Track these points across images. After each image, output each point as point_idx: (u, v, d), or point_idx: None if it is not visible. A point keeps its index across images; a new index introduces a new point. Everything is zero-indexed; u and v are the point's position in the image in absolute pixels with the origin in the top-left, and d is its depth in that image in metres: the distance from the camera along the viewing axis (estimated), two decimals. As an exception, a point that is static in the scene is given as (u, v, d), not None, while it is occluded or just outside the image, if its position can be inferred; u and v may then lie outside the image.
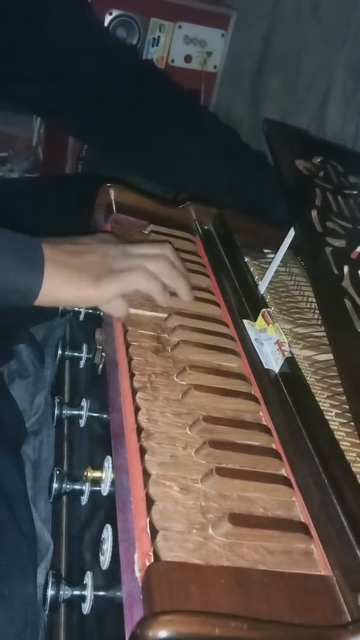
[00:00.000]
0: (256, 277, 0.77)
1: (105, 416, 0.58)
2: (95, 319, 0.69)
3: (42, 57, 0.84)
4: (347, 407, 0.59)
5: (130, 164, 0.99)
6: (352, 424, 0.57)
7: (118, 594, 0.42)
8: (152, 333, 0.61)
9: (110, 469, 0.49)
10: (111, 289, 0.60)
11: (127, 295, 0.62)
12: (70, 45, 0.85)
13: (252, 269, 0.78)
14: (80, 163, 1.33)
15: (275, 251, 0.79)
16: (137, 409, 0.51)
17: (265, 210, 0.89)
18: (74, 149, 1.35)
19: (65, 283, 0.58)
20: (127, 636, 0.37)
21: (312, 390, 0.59)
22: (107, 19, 1.24)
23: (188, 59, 1.34)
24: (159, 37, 1.29)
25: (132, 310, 0.62)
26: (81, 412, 0.65)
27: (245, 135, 1.46)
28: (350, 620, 0.39)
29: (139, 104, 0.91)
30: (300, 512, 0.48)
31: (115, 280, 0.60)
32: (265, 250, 0.84)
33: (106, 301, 0.61)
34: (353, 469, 0.52)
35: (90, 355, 0.69)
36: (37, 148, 1.61)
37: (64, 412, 0.66)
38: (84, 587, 0.50)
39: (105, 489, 0.50)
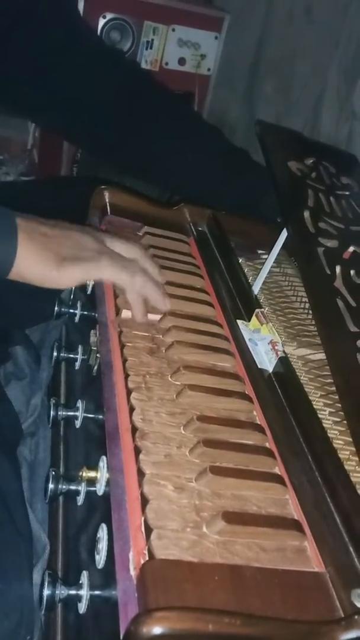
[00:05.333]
0: (250, 277, 0.77)
1: (100, 417, 0.59)
2: (91, 320, 0.70)
3: (29, 58, 0.85)
4: (340, 405, 0.59)
5: (117, 164, 1.00)
6: (345, 422, 0.58)
7: (113, 592, 0.42)
8: (146, 334, 0.61)
9: (105, 469, 0.49)
10: (74, 274, 0.60)
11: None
12: (57, 46, 0.86)
13: (246, 270, 0.79)
14: (75, 166, 1.34)
15: (269, 252, 0.79)
16: (131, 409, 0.52)
17: (253, 205, 0.90)
18: (69, 152, 1.36)
19: (32, 259, 0.58)
20: (122, 633, 0.37)
21: (306, 390, 0.60)
22: (101, 22, 1.25)
23: (182, 61, 1.35)
24: (152, 40, 1.30)
25: (126, 312, 0.63)
26: (77, 413, 0.65)
27: (239, 137, 1.47)
28: (342, 616, 0.39)
29: (126, 105, 0.92)
30: (294, 510, 0.48)
31: (78, 266, 0.60)
32: (259, 251, 0.85)
33: (67, 285, 0.61)
34: (346, 467, 0.52)
35: (86, 357, 0.70)
36: (33, 151, 1.62)
37: (59, 413, 0.66)
38: (80, 586, 0.50)
39: (100, 489, 0.50)
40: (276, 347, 0.62)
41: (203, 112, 1.42)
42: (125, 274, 0.62)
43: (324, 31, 1.31)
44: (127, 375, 0.55)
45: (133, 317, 0.63)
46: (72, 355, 0.74)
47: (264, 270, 0.71)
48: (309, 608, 0.40)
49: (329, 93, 1.32)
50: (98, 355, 0.60)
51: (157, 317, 0.63)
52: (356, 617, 0.38)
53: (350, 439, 0.56)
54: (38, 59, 0.84)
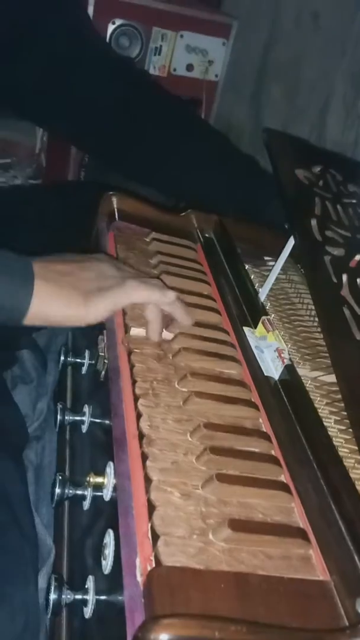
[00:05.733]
0: (256, 284, 0.78)
1: (107, 422, 0.59)
2: (98, 325, 0.70)
3: (37, 68, 0.86)
4: (345, 413, 0.60)
5: (124, 171, 1.01)
6: (350, 430, 0.58)
7: (120, 598, 0.43)
8: (153, 340, 0.62)
9: (113, 475, 0.50)
10: (102, 307, 0.59)
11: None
12: (64, 56, 0.87)
13: (252, 276, 0.79)
14: (82, 170, 1.34)
15: (276, 258, 0.80)
16: (139, 416, 0.52)
17: (259, 212, 0.90)
18: (76, 156, 1.37)
19: (54, 301, 0.57)
20: (129, 639, 0.38)
21: (312, 397, 0.60)
22: (110, 28, 1.26)
23: (190, 67, 1.35)
24: (161, 46, 1.31)
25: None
26: (83, 418, 0.66)
27: (246, 143, 1.47)
28: (347, 624, 0.40)
29: (132, 113, 0.93)
30: (299, 518, 0.48)
31: (104, 298, 0.59)
32: (266, 258, 0.85)
33: (97, 320, 0.60)
34: (351, 476, 0.53)
35: (93, 362, 0.70)
36: (40, 155, 1.63)
37: (66, 417, 0.67)
38: (86, 591, 0.50)
39: (107, 495, 0.50)
40: (282, 355, 0.62)
41: (210, 118, 1.42)
42: (155, 290, 0.61)
43: (331, 37, 1.32)
44: (134, 382, 0.56)
45: (148, 335, 0.61)
46: (79, 360, 0.75)
47: (271, 278, 0.71)
48: (313, 616, 0.40)
49: (336, 99, 1.32)
50: (106, 360, 0.61)
51: (170, 335, 0.63)
52: (361, 626, 0.38)
53: (356, 447, 0.57)
54: (46, 68, 0.85)
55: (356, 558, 0.45)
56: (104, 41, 1.22)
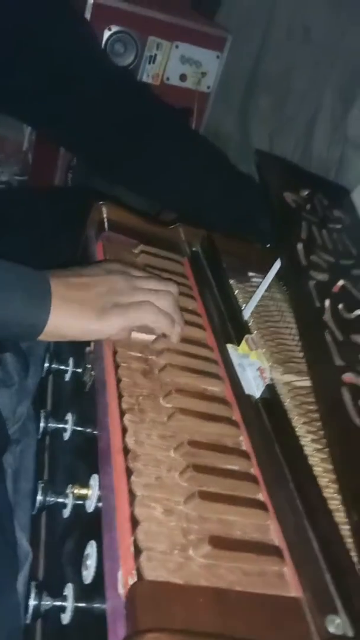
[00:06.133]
0: (240, 300, 0.80)
1: (89, 430, 0.60)
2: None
3: (34, 77, 0.86)
4: (322, 433, 0.62)
5: (117, 178, 1.02)
6: (325, 449, 0.61)
7: (100, 607, 0.44)
8: (140, 355, 0.63)
9: (97, 487, 0.51)
10: (117, 324, 0.60)
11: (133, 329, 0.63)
12: (61, 66, 0.88)
13: (236, 292, 0.81)
14: (70, 171, 1.35)
15: (261, 274, 0.82)
16: (124, 430, 0.54)
17: (251, 227, 0.92)
18: (64, 156, 1.37)
19: (71, 318, 0.58)
20: (111, 651, 0.39)
21: (290, 417, 0.63)
22: (106, 34, 1.26)
23: (183, 78, 1.37)
24: (155, 55, 1.32)
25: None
26: (66, 426, 0.67)
27: (233, 153, 1.49)
28: (318, 641, 0.42)
29: (130, 122, 0.94)
30: (274, 536, 0.50)
31: (121, 315, 0.61)
32: (250, 274, 0.87)
33: (112, 335, 0.61)
34: (324, 494, 0.55)
35: (77, 370, 0.71)
36: (28, 153, 1.62)
37: (49, 424, 0.68)
38: (64, 598, 0.52)
39: (91, 506, 0.52)
40: (264, 374, 0.64)
41: (200, 128, 1.44)
42: (165, 321, 0.64)
43: (321, 51, 1.34)
44: (121, 396, 0.57)
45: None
46: (63, 367, 0.75)
47: (256, 297, 0.73)
48: (286, 632, 0.43)
49: (323, 114, 1.34)
50: (93, 372, 0.62)
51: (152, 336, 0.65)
52: (330, 644, 0.40)
53: (330, 467, 0.59)
54: (43, 78, 0.86)
55: (327, 576, 0.47)
56: (104, 51, 1.23)
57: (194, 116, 1.37)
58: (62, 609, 0.51)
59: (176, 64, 1.34)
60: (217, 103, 1.48)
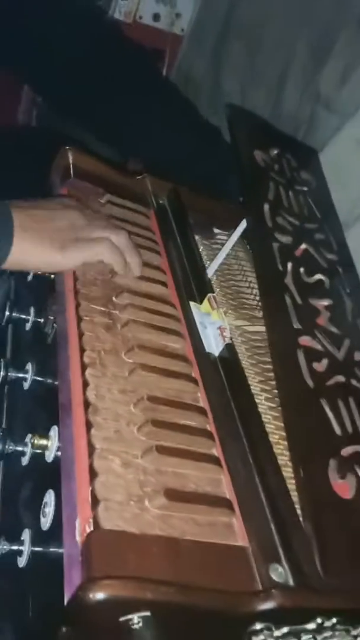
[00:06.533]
0: (205, 257, 0.80)
1: (49, 381, 0.61)
2: (44, 281, 0.71)
3: (3, 13, 0.82)
4: (276, 392, 0.65)
5: (86, 123, 0.99)
6: (278, 408, 0.63)
7: (57, 553, 0.46)
8: (103, 309, 0.63)
9: (57, 439, 0.52)
10: (77, 257, 0.64)
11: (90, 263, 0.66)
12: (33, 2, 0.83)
13: (201, 248, 0.81)
14: (34, 108, 1.30)
15: (226, 231, 0.82)
16: (85, 384, 0.54)
17: (217, 184, 0.92)
18: (28, 93, 1.31)
19: (33, 248, 0.61)
20: (67, 595, 0.41)
21: (246, 374, 0.65)
22: (78, -36, 1.19)
23: (156, 17, 1.32)
24: (129, -10, 1.26)
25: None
26: (26, 375, 0.67)
27: (203, 99, 1.46)
28: (261, 588, 0.45)
29: (97, 65, 0.91)
30: (226, 489, 0.53)
31: (81, 249, 0.64)
32: (216, 230, 0.87)
33: (71, 267, 0.64)
34: (275, 451, 0.58)
35: (39, 320, 0.71)
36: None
37: (9, 374, 0.68)
38: (21, 542, 0.53)
39: (50, 456, 0.53)
40: (224, 334, 0.66)
41: (171, 71, 1.40)
42: (119, 260, 0.67)
43: (296, 4, 1.30)
44: (83, 350, 0.57)
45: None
46: (23, 316, 0.75)
47: (220, 256, 0.74)
48: (233, 579, 0.46)
49: (294, 69, 1.32)
50: (54, 325, 0.62)
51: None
52: (272, 590, 0.44)
53: (281, 424, 0.62)
54: (8, 17, 0.81)
55: (272, 527, 0.50)
56: None
57: (165, 59, 1.33)
58: (19, 553, 0.53)
59: (150, 2, 1.29)
60: (190, 47, 1.43)
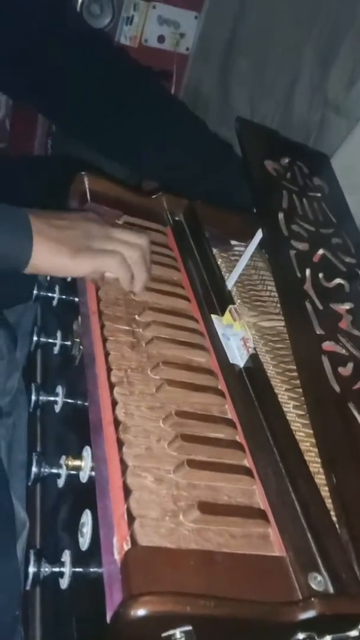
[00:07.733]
0: (224, 269, 0.81)
1: (79, 402, 0.62)
2: (69, 305, 0.73)
3: (12, 40, 0.85)
4: (303, 399, 0.65)
5: (98, 147, 1.01)
6: (306, 415, 0.63)
7: (98, 572, 0.47)
8: (127, 328, 0.65)
9: (90, 459, 0.53)
10: (86, 264, 0.65)
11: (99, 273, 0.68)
12: (41, 27, 0.86)
13: (219, 261, 0.82)
14: (50, 138, 1.33)
15: (242, 243, 0.83)
16: (114, 403, 0.55)
17: (228, 199, 0.93)
18: (43, 121, 1.35)
19: (48, 253, 0.63)
20: (109, 613, 0.42)
21: (273, 384, 0.65)
22: (81, -5, 1.23)
23: (161, 39, 1.34)
24: (133, 16, 1.29)
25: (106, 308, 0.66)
26: (57, 399, 0.69)
27: (213, 117, 1.47)
28: (300, 597, 0.45)
29: (108, 90, 0.93)
30: (260, 500, 0.53)
31: (91, 258, 0.65)
32: (233, 242, 0.88)
33: (80, 274, 0.67)
34: (306, 458, 0.58)
35: (66, 343, 0.73)
36: (5, 120, 1.58)
37: (40, 397, 0.69)
38: (62, 564, 0.54)
39: (84, 477, 0.54)
40: (247, 344, 0.66)
41: (180, 90, 1.42)
42: (125, 275, 0.68)
43: (301, 12, 1.32)
44: (109, 369, 0.59)
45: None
46: (51, 340, 0.77)
47: (239, 267, 0.74)
48: (271, 590, 0.46)
49: (303, 76, 1.33)
50: (81, 347, 0.63)
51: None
52: (312, 599, 0.43)
53: (310, 432, 0.62)
54: (18, 47, 0.84)
55: (309, 535, 0.50)
56: (80, 15, 1.19)
57: (173, 78, 1.35)
58: (61, 575, 0.54)
59: (154, 25, 1.32)
60: (196, 64, 1.45)
